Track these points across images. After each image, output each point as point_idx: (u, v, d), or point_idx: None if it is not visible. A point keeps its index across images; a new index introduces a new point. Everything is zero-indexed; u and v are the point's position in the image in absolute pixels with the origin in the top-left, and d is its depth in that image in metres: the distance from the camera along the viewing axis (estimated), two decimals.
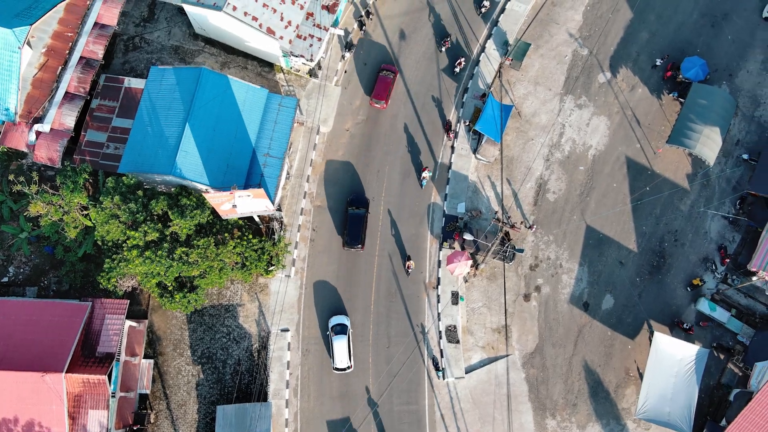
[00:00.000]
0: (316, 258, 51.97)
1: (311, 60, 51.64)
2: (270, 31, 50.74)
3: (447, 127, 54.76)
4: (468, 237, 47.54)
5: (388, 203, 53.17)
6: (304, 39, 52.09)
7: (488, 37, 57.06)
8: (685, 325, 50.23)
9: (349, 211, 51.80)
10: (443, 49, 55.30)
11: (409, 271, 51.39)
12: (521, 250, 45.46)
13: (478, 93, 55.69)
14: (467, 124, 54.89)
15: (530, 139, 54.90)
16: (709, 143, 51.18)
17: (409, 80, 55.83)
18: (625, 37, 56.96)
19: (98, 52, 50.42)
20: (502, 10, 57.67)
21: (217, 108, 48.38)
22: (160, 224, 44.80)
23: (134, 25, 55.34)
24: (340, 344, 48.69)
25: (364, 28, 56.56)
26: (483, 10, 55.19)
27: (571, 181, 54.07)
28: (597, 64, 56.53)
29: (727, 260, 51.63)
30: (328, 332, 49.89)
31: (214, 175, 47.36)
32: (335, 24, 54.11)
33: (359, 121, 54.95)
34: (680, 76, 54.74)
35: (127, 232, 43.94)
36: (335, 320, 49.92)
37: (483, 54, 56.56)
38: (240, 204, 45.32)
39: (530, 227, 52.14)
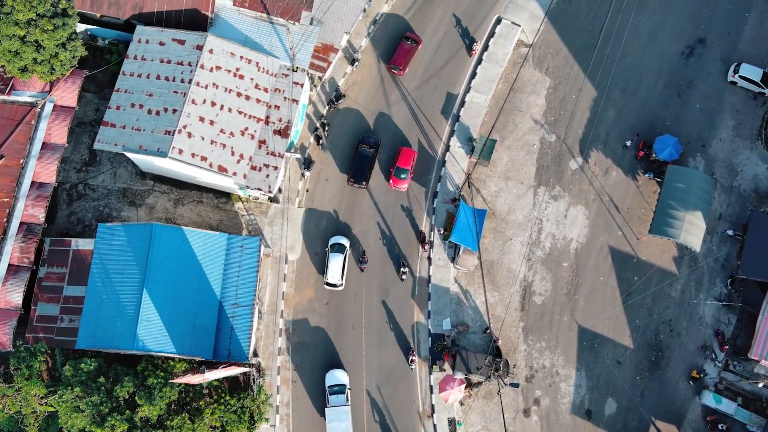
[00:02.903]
0: (301, 401, 48.76)
1: (269, 192, 48.56)
2: (221, 169, 47.47)
3: (421, 238, 52.08)
4: (460, 376, 44.91)
5: (369, 328, 50.19)
6: (259, 170, 48.92)
7: (451, 134, 54.44)
8: (720, 427, 48.27)
9: (360, 149, 52.51)
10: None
11: (403, 278, 50.83)
12: (516, 385, 43.04)
13: (448, 197, 53.09)
14: (441, 232, 52.29)
15: (509, 239, 52.46)
16: (693, 229, 49.28)
17: (375, 190, 53.00)
18: (592, 117, 54.84)
19: (39, 215, 46.68)
20: (462, 103, 55.21)
21: (175, 264, 45.10)
22: (128, 410, 41.28)
23: (75, 171, 51.59)
24: (335, 261, 49.92)
25: (321, 142, 53.62)
26: (403, 277, 51.11)
27: (557, 279, 51.75)
28: (567, 150, 54.35)
29: (726, 347, 49.77)
30: (326, 249, 51.09)
31: (180, 340, 44.01)
32: (290, 147, 51.11)
33: (328, 245, 51.99)
34: (653, 155, 52.88)
35: (93, 428, 40.33)
36: (334, 240, 51.12)
37: (448, 153, 54.01)
38: (211, 375, 42.10)
39: (495, 340, 49.59)
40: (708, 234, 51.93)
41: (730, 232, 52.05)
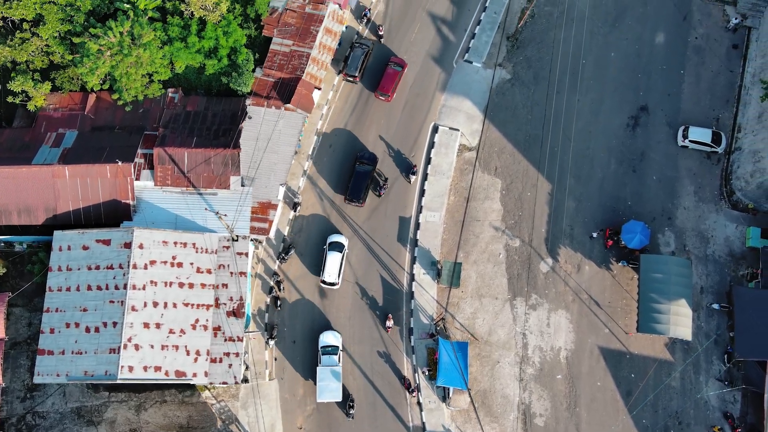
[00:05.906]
0: None
1: (236, 383, 44.82)
2: (180, 375, 43.66)
3: (406, 385, 48.95)
4: None
5: None
6: (220, 361, 45.12)
7: (413, 261, 51.43)
8: None
9: (357, 166, 51.38)
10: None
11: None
12: None
13: (424, 332, 50.08)
14: (426, 372, 49.28)
15: (496, 362, 49.72)
16: (680, 320, 47.35)
17: (348, 341, 49.62)
18: (553, 212, 52.40)
19: None
20: (417, 225, 52.28)
21: None
22: None
23: (20, 401, 46.84)
24: (333, 259, 49.26)
25: (279, 303, 49.98)
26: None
27: (554, 395, 49.24)
28: (534, 253, 51.86)
29: (738, 430, 48.06)
30: (324, 246, 50.32)
31: None
32: (248, 324, 47.42)
33: (309, 412, 48.27)
34: (622, 242, 50.83)
35: None
36: (333, 238, 50.55)
37: (414, 283, 51.01)
38: None
39: None
40: (694, 311, 50.12)
41: (716, 306, 50.28)
